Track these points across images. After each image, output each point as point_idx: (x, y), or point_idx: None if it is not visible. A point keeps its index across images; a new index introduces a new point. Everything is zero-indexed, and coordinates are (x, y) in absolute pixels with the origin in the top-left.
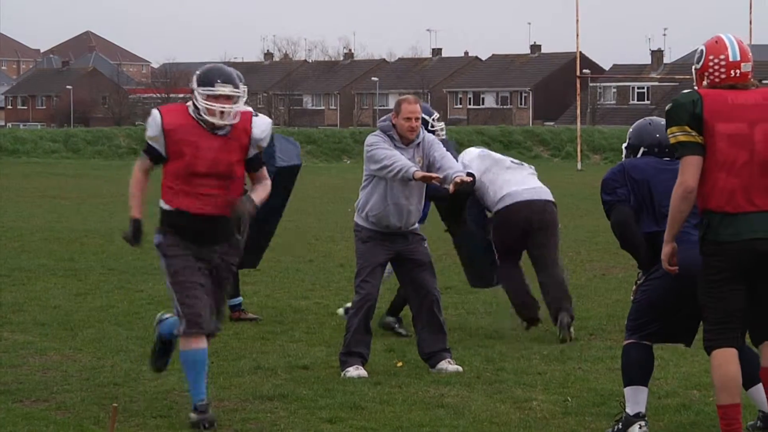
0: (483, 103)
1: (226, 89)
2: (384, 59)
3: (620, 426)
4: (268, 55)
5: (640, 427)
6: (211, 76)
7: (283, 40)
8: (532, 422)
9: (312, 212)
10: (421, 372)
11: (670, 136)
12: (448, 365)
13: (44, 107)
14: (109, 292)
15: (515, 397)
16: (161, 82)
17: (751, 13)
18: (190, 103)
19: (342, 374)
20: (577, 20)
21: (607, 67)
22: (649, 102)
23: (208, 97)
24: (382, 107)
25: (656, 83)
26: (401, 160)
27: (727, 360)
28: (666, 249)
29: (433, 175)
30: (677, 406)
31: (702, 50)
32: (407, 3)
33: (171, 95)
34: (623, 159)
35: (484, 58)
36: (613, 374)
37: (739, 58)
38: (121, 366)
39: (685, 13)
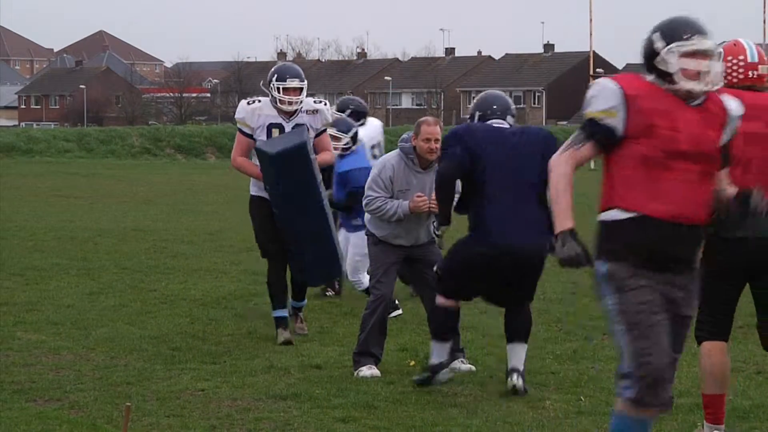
0: None
1: (706, 43)
2: (397, 59)
3: (429, 373)
4: (282, 54)
5: (445, 373)
6: (678, 27)
7: (296, 40)
8: (546, 422)
9: None
10: None
11: None
12: (461, 364)
13: (58, 107)
14: (123, 291)
15: (528, 396)
16: (174, 81)
17: (765, 12)
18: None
19: (355, 373)
20: (591, 19)
21: (620, 67)
22: None
23: (686, 55)
24: (395, 106)
25: None
26: (392, 204)
27: (718, 350)
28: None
29: (422, 203)
30: (690, 405)
31: (720, 52)
32: (421, 2)
33: (184, 94)
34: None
35: (497, 58)
36: None
37: (756, 60)
38: (134, 365)
39: (699, 12)
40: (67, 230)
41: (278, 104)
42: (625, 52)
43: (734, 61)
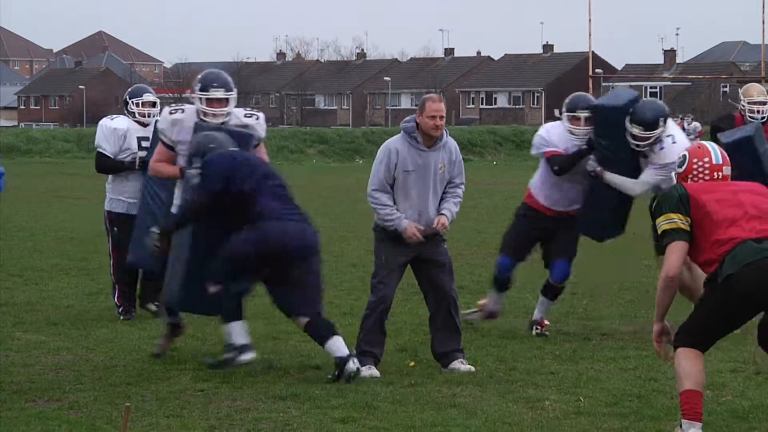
0: (495, 103)
1: None
2: (396, 59)
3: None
4: (281, 54)
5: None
6: None
7: (295, 40)
8: (545, 422)
9: (324, 212)
10: (434, 372)
11: (658, 225)
12: (460, 365)
13: (57, 107)
14: None
15: (527, 396)
16: (174, 82)
17: (764, 12)
18: None
19: None
20: (590, 20)
21: (619, 67)
22: (662, 102)
23: None
24: (394, 107)
25: (669, 83)
26: (396, 216)
27: (694, 354)
28: (656, 327)
29: (417, 235)
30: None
31: (685, 155)
32: (420, 3)
33: (184, 95)
34: None
35: (496, 58)
36: (626, 374)
37: (721, 162)
38: (133, 366)
39: (698, 12)
40: (67, 231)
41: (202, 116)
42: (625, 53)
43: (700, 163)
